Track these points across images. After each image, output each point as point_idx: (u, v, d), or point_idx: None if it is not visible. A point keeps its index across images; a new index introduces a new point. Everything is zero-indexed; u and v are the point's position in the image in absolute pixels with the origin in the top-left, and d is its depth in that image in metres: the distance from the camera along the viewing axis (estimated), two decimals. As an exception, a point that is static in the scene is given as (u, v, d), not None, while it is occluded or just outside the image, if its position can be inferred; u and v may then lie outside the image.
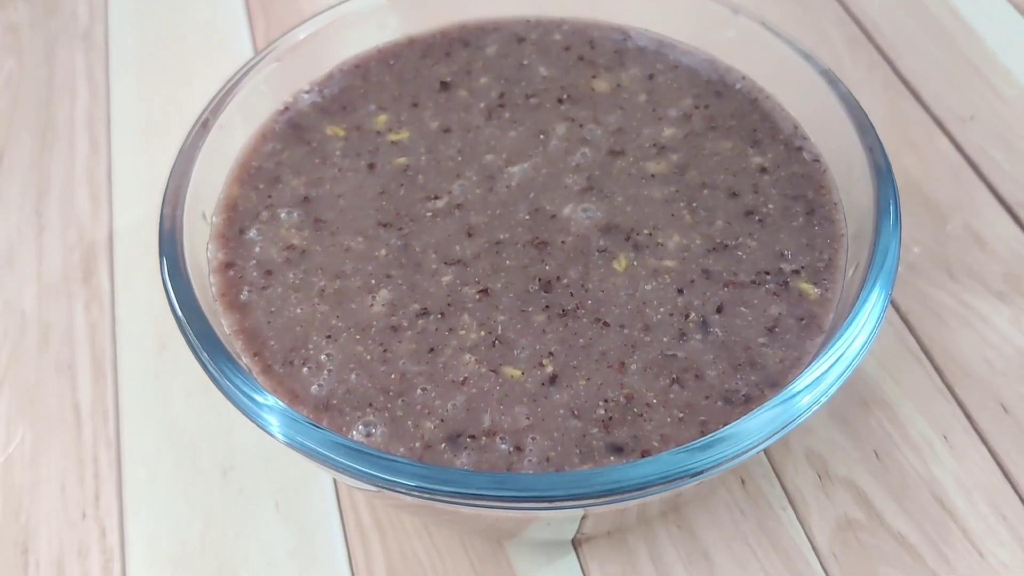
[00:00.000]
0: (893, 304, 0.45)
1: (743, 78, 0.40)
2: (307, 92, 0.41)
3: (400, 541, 0.39)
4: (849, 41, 0.57)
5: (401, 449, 0.31)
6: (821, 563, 0.38)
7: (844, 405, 0.42)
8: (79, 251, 0.50)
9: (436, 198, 0.37)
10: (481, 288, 0.34)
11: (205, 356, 0.31)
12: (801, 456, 0.41)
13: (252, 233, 0.36)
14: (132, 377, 0.45)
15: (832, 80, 0.37)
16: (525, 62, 0.41)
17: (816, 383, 0.30)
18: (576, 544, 0.39)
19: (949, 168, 0.50)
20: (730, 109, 0.39)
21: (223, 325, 0.34)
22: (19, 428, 0.44)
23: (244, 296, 0.35)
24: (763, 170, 0.37)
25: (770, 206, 0.36)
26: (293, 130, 0.39)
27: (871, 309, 0.31)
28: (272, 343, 0.34)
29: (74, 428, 0.44)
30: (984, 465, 0.40)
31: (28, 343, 0.47)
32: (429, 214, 0.36)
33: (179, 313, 0.32)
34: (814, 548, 0.39)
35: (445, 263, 0.35)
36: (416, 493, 0.28)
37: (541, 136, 0.39)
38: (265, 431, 0.30)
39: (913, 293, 0.46)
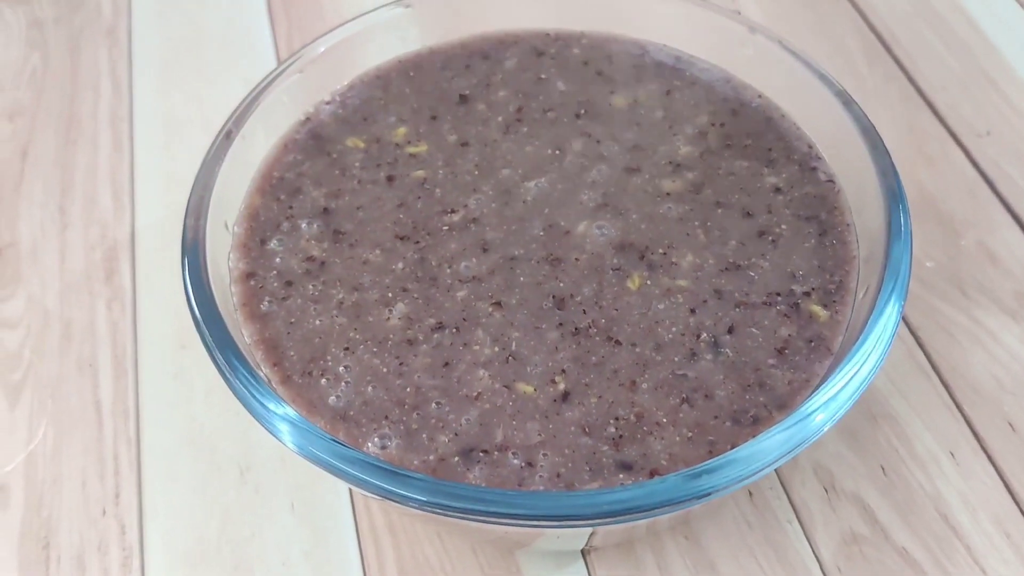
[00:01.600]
0: (904, 319, 0.45)
1: (759, 96, 0.40)
2: (328, 103, 0.41)
3: (412, 545, 0.40)
4: (867, 53, 0.57)
5: (415, 462, 0.32)
6: (825, 576, 0.39)
7: (853, 420, 0.43)
8: (101, 249, 0.51)
9: (453, 212, 0.37)
10: (495, 303, 0.35)
11: (224, 365, 0.32)
12: (809, 470, 0.41)
13: (273, 243, 0.37)
14: (152, 375, 0.46)
15: (847, 101, 0.37)
16: (543, 76, 0.42)
17: (827, 404, 0.30)
18: (585, 553, 0.40)
19: (964, 183, 0.50)
20: (746, 128, 0.40)
21: (244, 335, 0.35)
22: (41, 424, 0.45)
23: (264, 307, 0.35)
24: (777, 190, 0.37)
25: (783, 227, 0.36)
26: (314, 141, 0.40)
27: (882, 330, 0.31)
28: (292, 354, 0.34)
29: (95, 425, 0.45)
30: (990, 483, 0.41)
31: (51, 340, 0.48)
32: (445, 228, 0.37)
33: (201, 324, 0.33)
34: (819, 561, 0.39)
35: (460, 279, 0.35)
36: (427, 508, 0.29)
37: (558, 151, 0.39)
38: (280, 441, 0.31)
39: (924, 309, 0.46)
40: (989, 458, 0.42)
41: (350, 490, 0.42)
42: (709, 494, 0.28)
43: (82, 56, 0.61)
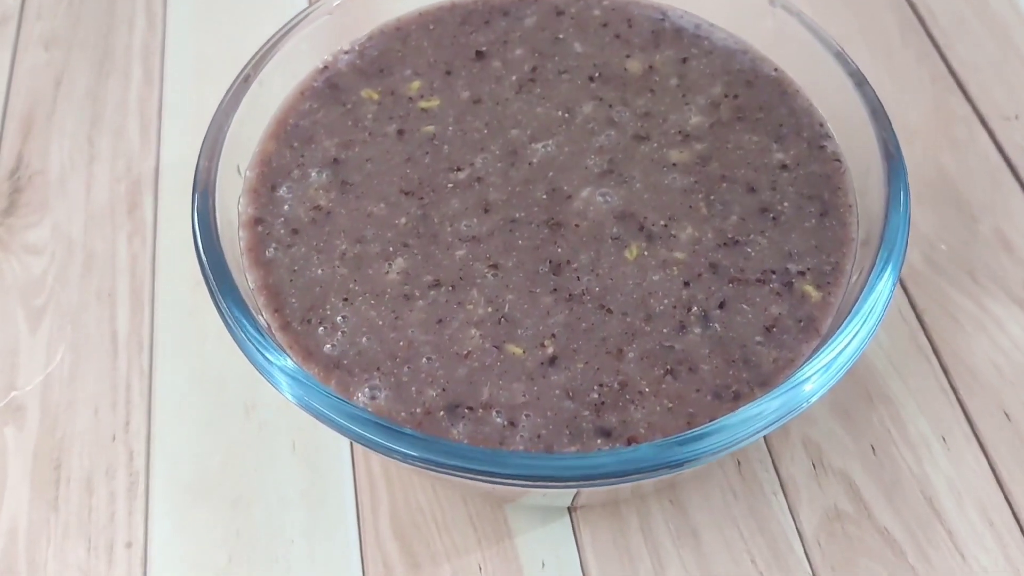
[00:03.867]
0: (909, 301, 0.45)
1: (775, 70, 0.40)
2: (347, 52, 0.42)
3: (406, 491, 0.42)
4: (902, 28, 0.56)
5: (402, 414, 0.33)
6: (805, 550, 0.39)
7: (847, 397, 0.43)
8: (126, 183, 0.52)
9: (459, 170, 0.38)
10: (492, 265, 0.35)
11: (227, 310, 0.33)
12: (799, 444, 0.42)
13: (283, 191, 0.38)
14: (168, 311, 0.47)
15: (860, 81, 0.37)
16: (561, 36, 0.42)
17: (814, 376, 0.31)
18: (572, 510, 0.41)
19: (987, 169, 0.50)
20: (759, 101, 0.39)
21: (248, 280, 0.36)
22: (59, 349, 0.46)
23: (270, 253, 0.36)
24: (784, 167, 0.37)
25: (785, 204, 0.36)
26: (330, 90, 0.41)
27: (873, 305, 0.31)
28: (292, 301, 0.35)
29: (110, 355, 0.46)
30: (979, 470, 0.41)
31: (73, 268, 0.49)
32: (450, 186, 0.37)
33: (207, 270, 0.33)
34: (800, 535, 0.40)
35: (460, 238, 0.36)
36: (413, 463, 0.30)
37: (567, 114, 0.39)
38: (277, 390, 0.32)
39: (932, 292, 0.46)
40: (981, 446, 0.42)
41: (348, 434, 0.43)
42: (682, 464, 0.29)
43: (119, -11, 0.62)
